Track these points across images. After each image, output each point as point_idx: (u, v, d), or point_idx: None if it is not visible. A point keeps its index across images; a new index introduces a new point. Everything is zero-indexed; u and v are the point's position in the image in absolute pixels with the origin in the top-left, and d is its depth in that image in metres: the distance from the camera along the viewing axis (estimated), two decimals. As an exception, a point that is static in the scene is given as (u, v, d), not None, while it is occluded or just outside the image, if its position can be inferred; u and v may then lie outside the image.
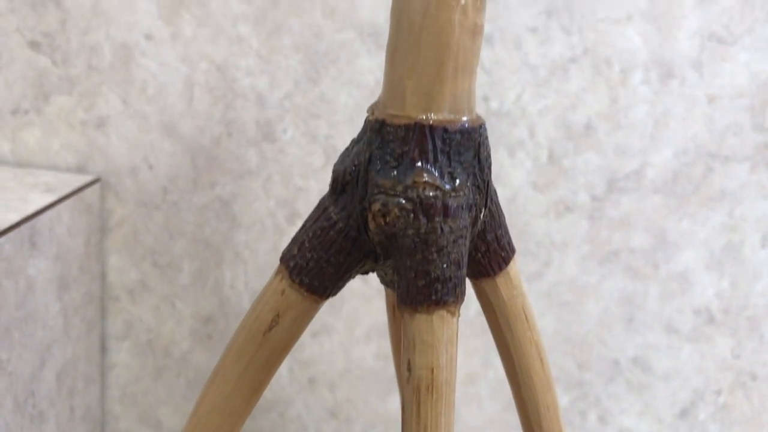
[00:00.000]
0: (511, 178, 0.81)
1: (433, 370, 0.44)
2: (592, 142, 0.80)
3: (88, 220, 0.80)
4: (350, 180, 0.47)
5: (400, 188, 0.45)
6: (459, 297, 0.45)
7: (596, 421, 0.87)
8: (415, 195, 0.44)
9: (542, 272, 0.84)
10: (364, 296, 0.85)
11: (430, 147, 0.44)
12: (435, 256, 0.45)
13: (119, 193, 0.84)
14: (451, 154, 0.45)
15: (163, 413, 0.90)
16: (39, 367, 0.72)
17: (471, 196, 0.46)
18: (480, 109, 0.80)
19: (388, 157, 0.45)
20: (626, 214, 0.82)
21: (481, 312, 0.84)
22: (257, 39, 0.79)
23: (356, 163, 0.46)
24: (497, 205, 0.50)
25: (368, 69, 0.79)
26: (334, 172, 0.48)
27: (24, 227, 0.67)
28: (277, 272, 0.48)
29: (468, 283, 0.88)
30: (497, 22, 0.78)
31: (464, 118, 0.45)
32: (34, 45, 0.81)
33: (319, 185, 0.82)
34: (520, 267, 0.84)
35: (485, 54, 0.79)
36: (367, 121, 0.46)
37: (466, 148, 0.45)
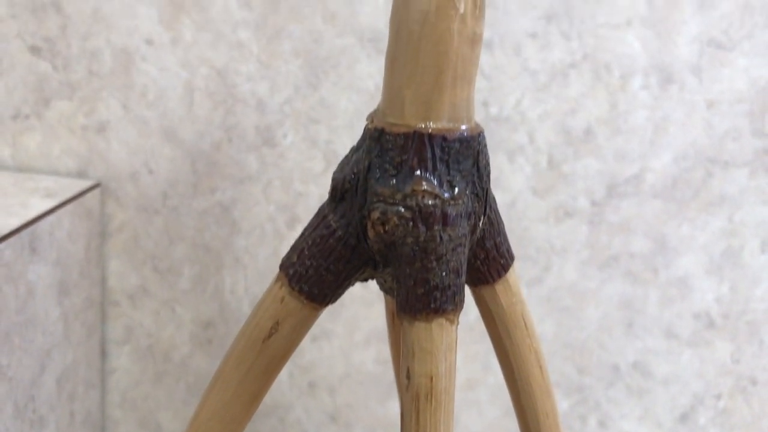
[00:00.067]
0: (510, 183, 0.82)
1: (432, 378, 0.44)
2: (591, 147, 0.80)
3: (88, 225, 0.80)
4: (349, 188, 0.47)
5: (399, 197, 0.45)
6: (458, 305, 0.45)
7: (596, 426, 0.87)
8: (414, 203, 0.44)
9: (542, 277, 0.84)
10: (364, 301, 0.85)
11: (429, 155, 0.44)
12: (434, 264, 0.45)
13: (119, 198, 0.84)
14: (450, 162, 0.45)
15: (163, 418, 0.90)
16: (39, 372, 0.72)
17: (470, 204, 0.46)
18: (479, 115, 0.80)
19: (387, 166, 0.45)
20: (626, 219, 0.82)
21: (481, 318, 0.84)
22: (257, 44, 0.79)
23: (355, 171, 0.46)
24: (496, 212, 0.50)
25: (368, 74, 0.79)
26: (333, 180, 0.48)
27: (24, 232, 0.67)
28: (277, 279, 0.48)
29: (467, 289, 0.88)
30: (497, 27, 0.78)
31: (463, 127, 0.45)
32: (34, 50, 0.81)
33: (319, 190, 0.82)
34: (520, 272, 0.84)
35: (485, 59, 0.79)
36: (366, 130, 0.46)
37: (465, 156, 0.45)
